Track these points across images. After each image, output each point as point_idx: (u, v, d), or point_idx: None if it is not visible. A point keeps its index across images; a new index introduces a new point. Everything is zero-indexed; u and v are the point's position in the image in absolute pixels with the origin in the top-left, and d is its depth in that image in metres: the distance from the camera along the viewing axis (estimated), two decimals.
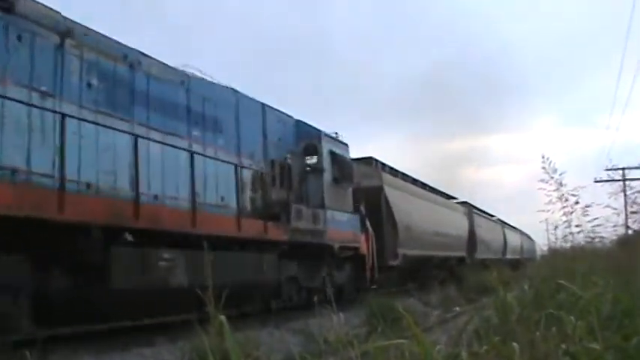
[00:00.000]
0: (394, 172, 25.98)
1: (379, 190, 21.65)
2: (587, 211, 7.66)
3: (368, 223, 19.27)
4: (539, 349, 3.85)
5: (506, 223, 50.34)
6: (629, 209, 9.94)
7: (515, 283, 10.39)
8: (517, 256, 49.46)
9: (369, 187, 20.73)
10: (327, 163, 16.79)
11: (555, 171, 7.10)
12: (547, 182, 7.21)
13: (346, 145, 18.61)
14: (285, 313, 13.75)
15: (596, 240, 9.27)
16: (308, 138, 16.74)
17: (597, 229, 8.61)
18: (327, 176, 16.75)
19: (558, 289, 5.97)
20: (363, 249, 18.55)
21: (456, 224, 32.28)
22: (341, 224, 17.00)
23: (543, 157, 7.03)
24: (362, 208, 18.95)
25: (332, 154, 17.17)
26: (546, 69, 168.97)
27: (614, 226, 9.90)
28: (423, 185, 30.79)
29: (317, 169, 16.54)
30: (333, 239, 16.30)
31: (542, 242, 44.45)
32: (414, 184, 28.93)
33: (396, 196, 23.11)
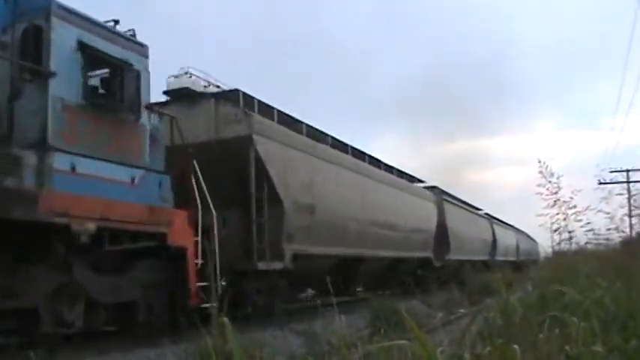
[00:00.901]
0: (286, 119, 15.65)
1: (246, 144, 12.89)
2: (579, 217, 7.65)
3: (197, 195, 10.94)
4: (542, 351, 3.85)
5: (495, 219, 42.82)
6: (635, 212, 9.93)
7: (518, 285, 10.38)
8: (511, 258, 43.16)
9: (228, 138, 12.98)
10: (64, 63, 8.81)
11: (552, 175, 7.08)
12: (544, 186, 7.19)
13: (141, 45, 10.40)
14: (288, 314, 13.73)
15: (601, 242, 9.28)
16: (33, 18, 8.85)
17: (601, 230, 8.63)
18: (64, 89, 8.76)
19: (562, 291, 5.97)
20: (181, 239, 10.47)
21: (416, 213, 23.54)
22: (106, 187, 9.10)
23: (540, 161, 6.99)
24: (196, 170, 11.04)
25: (84, 48, 9.10)
26: (550, 70, 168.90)
27: (609, 229, 9.90)
28: (358, 152, 20.07)
29: (38, 74, 8.66)
30: (68, 212, 8.35)
31: (546, 244, 44.09)
32: (340, 148, 18.57)
33: (283, 158, 14.03)
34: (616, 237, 10.49)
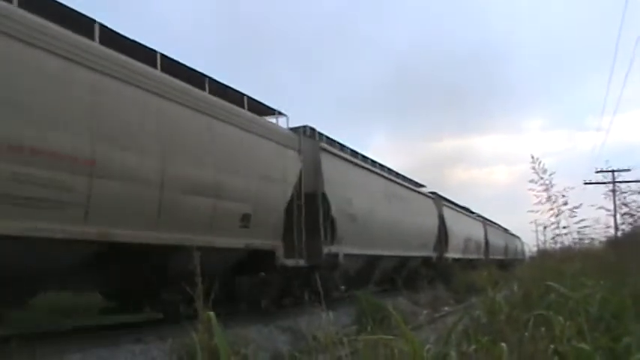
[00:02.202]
0: None
1: None
2: (574, 212, 7.68)
3: None
4: (527, 348, 3.86)
5: (448, 201, 32.13)
6: (621, 210, 10.00)
7: (504, 283, 10.43)
8: (475, 256, 33.16)
9: None
10: None
11: (545, 171, 7.10)
12: (536, 183, 7.21)
13: None
14: (274, 310, 13.70)
15: (585, 241, 9.34)
16: None
17: (587, 230, 8.66)
18: None
19: (547, 290, 6.00)
20: None
21: (242, 164, 12.40)
22: None
23: (533, 158, 7.01)
24: None
25: None
26: (538, 71, 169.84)
27: (607, 227, 9.96)
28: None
29: None
30: None
31: (532, 243, 43.73)
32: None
33: None
34: (601, 236, 10.56)
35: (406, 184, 24.91)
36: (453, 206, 32.81)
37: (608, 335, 4.24)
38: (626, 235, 10.18)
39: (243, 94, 13.65)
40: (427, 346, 3.62)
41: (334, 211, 15.80)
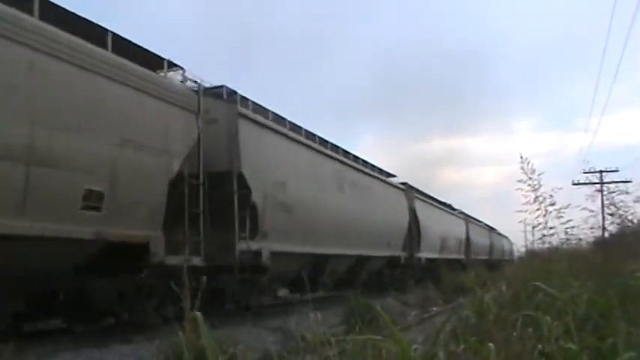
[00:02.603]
0: None
1: None
2: (561, 213, 7.73)
3: None
4: (515, 349, 3.87)
5: (424, 194, 28.25)
6: (607, 211, 10.07)
7: (492, 283, 10.48)
8: (456, 256, 31.00)
9: None
10: None
11: (533, 172, 7.14)
12: (525, 182, 7.24)
13: None
14: (263, 310, 13.68)
15: (573, 241, 9.39)
16: None
17: (575, 230, 8.72)
18: None
19: (535, 290, 6.02)
20: None
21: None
22: None
23: (522, 158, 7.03)
24: None
25: None
26: (528, 72, 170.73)
27: (592, 228, 10.02)
28: None
29: None
30: None
31: (520, 244, 43.68)
32: None
33: None
34: (589, 236, 10.63)
35: (368, 170, 21.00)
36: (428, 200, 28.92)
37: (595, 335, 4.27)
38: (613, 236, 10.24)
39: (107, 30, 9.85)
40: (415, 346, 3.62)
41: (256, 196, 12.49)
